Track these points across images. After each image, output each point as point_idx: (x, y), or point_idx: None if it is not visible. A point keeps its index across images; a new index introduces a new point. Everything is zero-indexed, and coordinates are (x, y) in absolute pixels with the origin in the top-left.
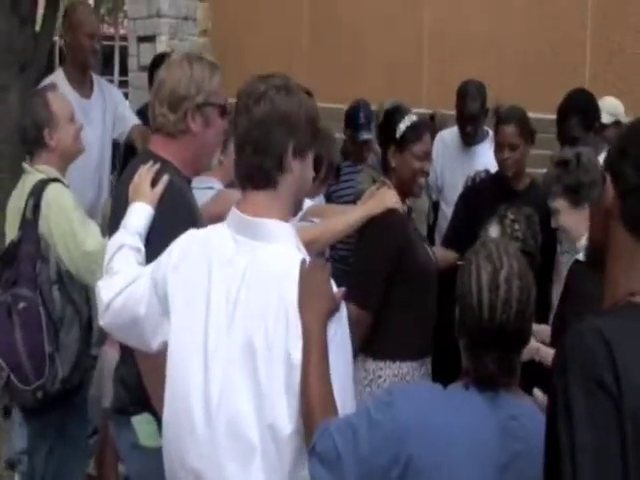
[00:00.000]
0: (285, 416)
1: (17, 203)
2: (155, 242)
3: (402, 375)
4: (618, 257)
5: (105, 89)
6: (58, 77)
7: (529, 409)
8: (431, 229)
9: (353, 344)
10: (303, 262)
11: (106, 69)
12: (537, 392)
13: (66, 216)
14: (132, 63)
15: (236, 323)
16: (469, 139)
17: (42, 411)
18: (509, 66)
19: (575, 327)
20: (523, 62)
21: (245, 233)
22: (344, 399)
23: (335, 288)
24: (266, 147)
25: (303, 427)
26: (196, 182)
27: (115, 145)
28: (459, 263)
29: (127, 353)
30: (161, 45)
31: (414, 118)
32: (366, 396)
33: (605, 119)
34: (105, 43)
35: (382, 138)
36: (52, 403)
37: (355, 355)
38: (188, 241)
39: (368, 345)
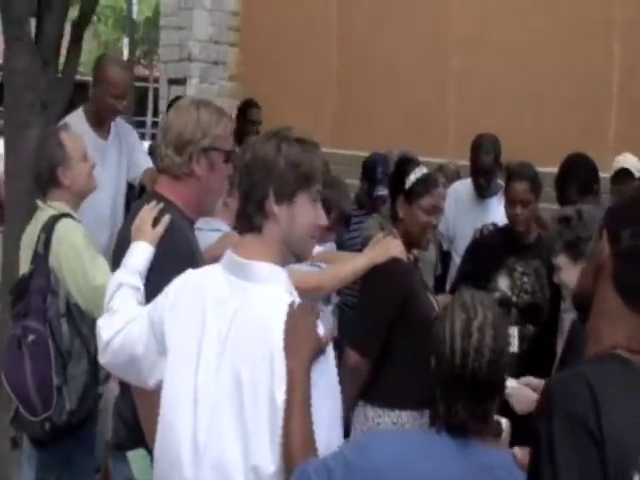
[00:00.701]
0: (268, 457)
1: (30, 238)
2: (154, 281)
3: (401, 424)
4: (603, 313)
5: (122, 131)
6: (78, 116)
7: (502, 459)
8: (440, 279)
9: (351, 391)
10: (291, 305)
11: (140, 109)
12: (517, 450)
13: (76, 251)
14: (163, 105)
15: (225, 364)
16: (482, 192)
17: (50, 443)
18: (532, 119)
19: (560, 374)
20: (546, 116)
21: (237, 274)
22: (329, 441)
23: (322, 331)
24: (249, 193)
25: (284, 468)
26: (202, 223)
27: (130, 187)
28: None
29: (126, 388)
30: (191, 88)
31: (424, 171)
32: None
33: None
34: (139, 84)
35: (391, 188)
36: (60, 435)
37: (354, 402)
38: (184, 282)
39: (368, 392)
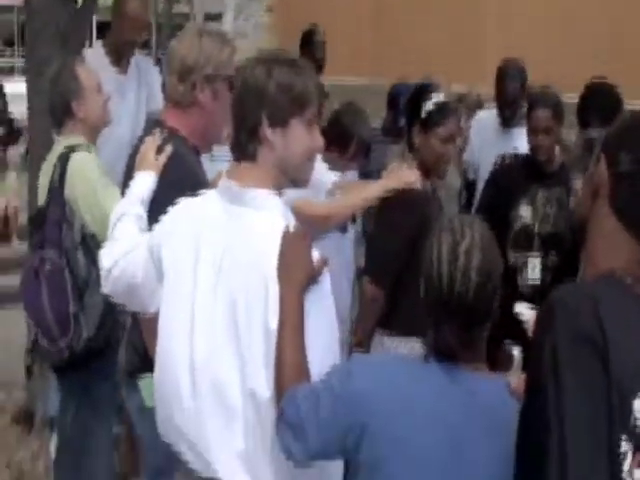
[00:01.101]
0: (264, 382)
1: (47, 170)
2: (157, 210)
3: (418, 352)
4: (600, 236)
5: (142, 66)
6: (97, 51)
7: (492, 385)
8: (465, 208)
9: (369, 320)
10: (286, 230)
11: None
12: (511, 378)
13: (90, 181)
14: None
15: (220, 290)
16: (507, 121)
17: (69, 371)
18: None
19: (561, 289)
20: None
21: (232, 201)
22: (323, 368)
23: (317, 256)
24: (242, 120)
25: (275, 394)
26: (221, 151)
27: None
28: None
29: (136, 316)
30: (227, 23)
31: (441, 99)
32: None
33: None
34: (179, 22)
35: (408, 115)
36: (78, 362)
37: (372, 331)
38: (181, 209)
39: (385, 321)
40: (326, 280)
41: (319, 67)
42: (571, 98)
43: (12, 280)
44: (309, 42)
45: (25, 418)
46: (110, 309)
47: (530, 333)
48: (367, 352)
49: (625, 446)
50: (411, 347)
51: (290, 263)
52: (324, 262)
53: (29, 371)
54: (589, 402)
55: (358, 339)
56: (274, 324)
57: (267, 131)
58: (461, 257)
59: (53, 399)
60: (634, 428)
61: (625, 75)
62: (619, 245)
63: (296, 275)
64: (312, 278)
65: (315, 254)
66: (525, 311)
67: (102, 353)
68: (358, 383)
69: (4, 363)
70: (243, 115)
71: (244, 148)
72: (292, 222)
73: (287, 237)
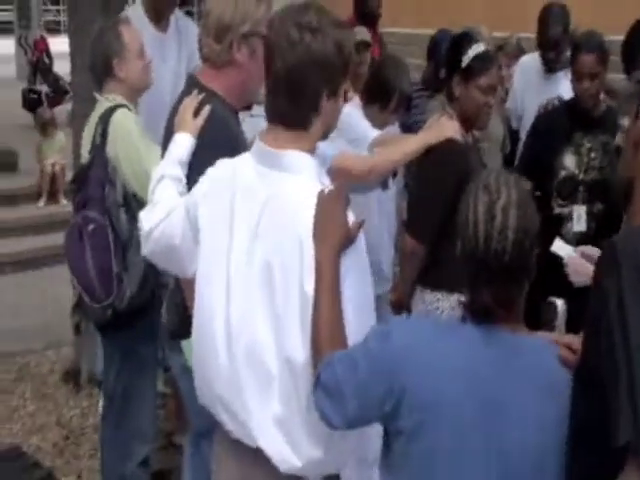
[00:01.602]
0: (300, 347)
1: (89, 130)
2: (195, 171)
3: (459, 308)
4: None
5: (182, 24)
6: (136, 11)
7: (531, 345)
8: (509, 157)
9: (410, 275)
10: (321, 193)
11: None
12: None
13: (132, 140)
14: None
15: (256, 253)
16: (551, 65)
17: (112, 329)
18: None
19: (621, 232)
20: None
21: (268, 164)
22: (359, 331)
23: (352, 218)
24: (302, 92)
25: (312, 358)
26: (261, 109)
27: None
28: (536, 194)
29: (179, 278)
30: None
31: (482, 48)
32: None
33: None
34: None
35: (448, 65)
36: (122, 321)
37: (413, 286)
38: (216, 171)
39: (426, 276)
40: (361, 242)
41: (374, 19)
42: (616, 41)
43: (61, 239)
44: None
45: (74, 376)
46: (152, 268)
47: (572, 278)
48: (408, 307)
49: None
50: (453, 303)
51: (325, 225)
52: (360, 224)
53: (77, 329)
54: None
55: (398, 294)
56: (310, 287)
57: (325, 101)
58: (498, 216)
59: (100, 357)
60: None
61: None
62: None
63: (331, 237)
64: (348, 239)
65: (351, 216)
66: (563, 250)
67: (145, 312)
68: (396, 345)
69: (55, 321)
70: (304, 87)
71: (299, 118)
72: (327, 184)
73: (322, 199)
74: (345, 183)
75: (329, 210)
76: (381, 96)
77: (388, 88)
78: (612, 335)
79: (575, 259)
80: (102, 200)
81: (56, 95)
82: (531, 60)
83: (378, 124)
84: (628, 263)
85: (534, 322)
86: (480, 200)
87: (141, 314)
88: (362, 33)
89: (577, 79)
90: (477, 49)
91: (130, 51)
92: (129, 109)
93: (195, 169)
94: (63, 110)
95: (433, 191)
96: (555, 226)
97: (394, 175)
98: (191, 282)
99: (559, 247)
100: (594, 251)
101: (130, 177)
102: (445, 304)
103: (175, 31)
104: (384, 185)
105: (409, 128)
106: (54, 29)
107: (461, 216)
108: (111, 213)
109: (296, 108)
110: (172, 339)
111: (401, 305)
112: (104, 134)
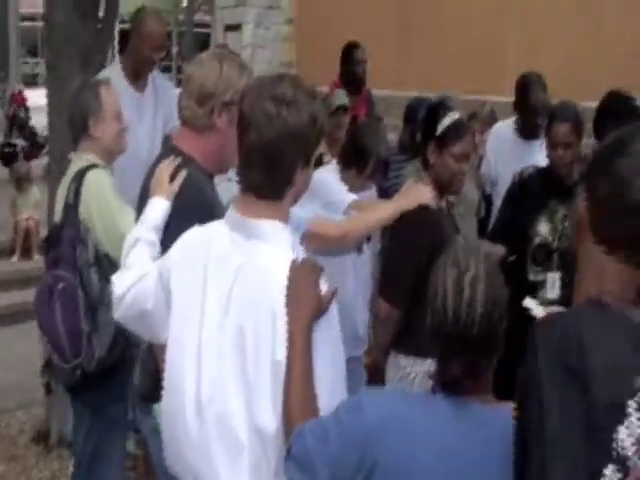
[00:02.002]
0: (271, 416)
1: (63, 189)
2: (170, 237)
3: (432, 371)
4: (588, 267)
5: (160, 85)
6: (115, 69)
7: (500, 416)
8: (484, 222)
9: (384, 340)
10: (294, 263)
11: None
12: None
13: (105, 200)
14: None
15: (228, 321)
16: (530, 132)
17: (81, 390)
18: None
19: (546, 316)
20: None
21: (242, 232)
22: (332, 402)
23: (325, 288)
24: (278, 166)
25: (283, 429)
26: (233, 174)
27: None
28: (510, 259)
29: (150, 343)
30: (247, 33)
31: (456, 117)
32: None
33: None
34: (201, 31)
35: (423, 133)
36: (90, 382)
37: (386, 351)
38: (190, 238)
39: (400, 341)
40: (334, 312)
41: (359, 85)
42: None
43: (34, 295)
44: (348, 59)
45: (44, 437)
46: (122, 329)
47: None
48: (382, 371)
49: (610, 474)
50: (426, 368)
51: (298, 296)
52: (333, 293)
53: (48, 388)
54: (569, 429)
55: (373, 358)
56: (282, 356)
57: (300, 173)
58: (466, 289)
59: (71, 417)
60: (618, 456)
61: None
62: (605, 270)
63: (304, 308)
64: (320, 310)
65: (323, 285)
66: (535, 307)
67: (115, 372)
68: (367, 417)
69: (26, 380)
70: (280, 161)
71: (274, 190)
72: (301, 254)
73: (295, 269)
74: (319, 249)
75: (302, 281)
76: (358, 160)
77: (365, 153)
78: (530, 418)
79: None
80: (73, 259)
81: (32, 149)
82: (505, 127)
83: (355, 188)
84: (545, 349)
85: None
86: (449, 273)
87: (111, 374)
88: (340, 97)
89: (552, 147)
90: (452, 117)
91: (107, 112)
92: (103, 169)
93: (169, 234)
94: (39, 164)
95: (406, 257)
96: (529, 292)
97: (368, 239)
98: (164, 346)
99: (530, 304)
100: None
101: (102, 237)
102: (419, 369)
103: (152, 91)
104: (359, 249)
105: (386, 192)
106: (31, 82)
107: (430, 289)
108: (82, 273)
109: (271, 180)
110: (143, 402)
111: (375, 368)
112: (77, 193)
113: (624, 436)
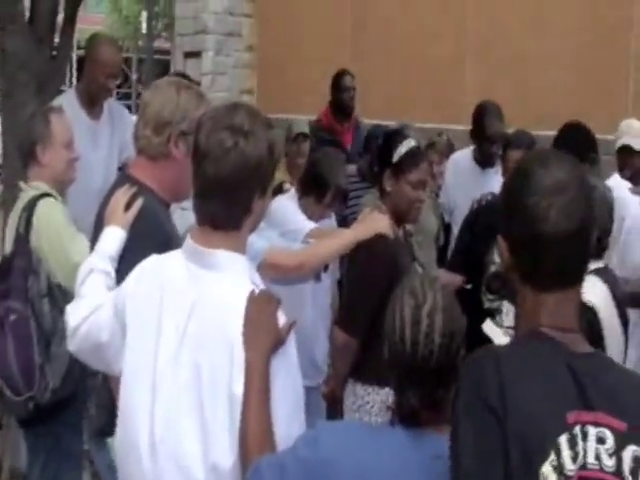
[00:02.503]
0: (227, 452)
1: (14, 218)
2: (125, 267)
3: (390, 401)
4: (521, 300)
5: (116, 113)
6: (70, 97)
7: None
8: (443, 251)
9: (341, 368)
10: (251, 294)
11: None
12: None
13: (56, 229)
14: None
15: (184, 355)
16: (487, 160)
17: (35, 423)
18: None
19: (473, 354)
20: (564, 80)
21: (199, 263)
22: (289, 435)
23: (283, 319)
24: (236, 197)
25: (240, 464)
26: (188, 203)
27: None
28: (467, 287)
29: (105, 375)
30: (207, 60)
31: (413, 144)
32: (353, 420)
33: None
34: (161, 57)
35: (379, 161)
36: (44, 414)
37: (344, 379)
38: (145, 268)
39: (358, 370)
40: (292, 344)
41: (346, 112)
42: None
43: None
44: (336, 86)
45: None
46: (76, 360)
47: None
48: (340, 400)
49: None
50: (383, 397)
51: (255, 328)
52: (290, 325)
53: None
54: (485, 466)
55: (331, 387)
56: (239, 389)
57: (257, 202)
58: (424, 320)
59: (23, 451)
60: None
61: (600, 110)
62: (536, 305)
63: (261, 341)
64: (278, 342)
65: (281, 317)
66: (494, 332)
67: (70, 404)
68: (323, 451)
69: None
70: (237, 193)
71: (232, 220)
72: (259, 283)
73: (252, 301)
74: (276, 278)
75: (259, 313)
76: (317, 189)
77: (324, 183)
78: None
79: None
80: (25, 291)
81: None
82: (463, 155)
83: (314, 216)
84: (467, 387)
85: None
86: (406, 304)
87: (66, 405)
88: (300, 125)
89: (507, 174)
90: (407, 145)
91: (56, 139)
92: (55, 198)
93: (125, 264)
94: None
95: (364, 285)
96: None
97: (326, 268)
98: (119, 378)
99: (490, 328)
100: None
101: (55, 267)
102: (376, 398)
103: (108, 119)
104: (317, 277)
105: (345, 220)
106: None
107: (388, 320)
108: (34, 304)
109: (229, 211)
110: (98, 436)
111: (334, 398)
112: (28, 223)
113: (549, 472)
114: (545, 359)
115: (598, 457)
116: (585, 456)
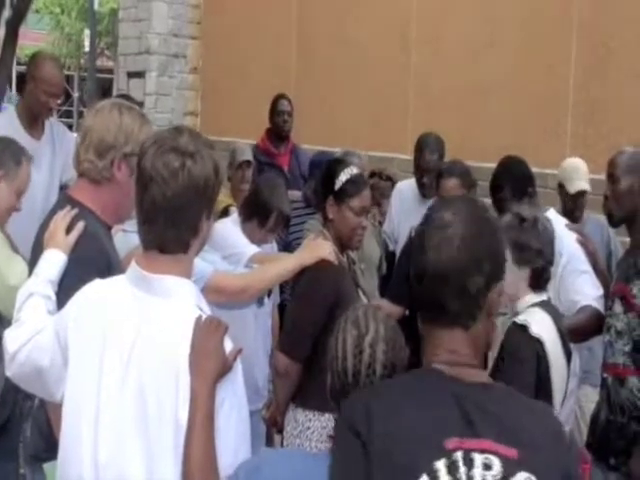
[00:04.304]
0: (172, 478)
1: None
2: (67, 290)
3: (331, 428)
4: (421, 341)
5: (57, 132)
6: (10, 115)
7: None
8: (386, 279)
9: (282, 394)
10: (198, 320)
11: None
12: None
13: None
14: None
15: (128, 381)
16: (426, 191)
17: None
18: (490, 116)
19: (352, 394)
20: (504, 114)
21: (144, 288)
22: (235, 462)
23: (229, 347)
24: (184, 219)
25: None
26: (129, 225)
27: (63, 189)
28: (406, 314)
29: (43, 400)
30: (150, 81)
31: (355, 171)
32: (294, 448)
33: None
34: (104, 76)
35: (322, 187)
36: None
37: (285, 405)
38: (88, 293)
39: (299, 395)
40: (238, 371)
41: (281, 135)
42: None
43: None
44: (272, 110)
45: None
46: (12, 386)
47: None
48: (281, 425)
49: None
50: (324, 423)
51: (202, 354)
52: (237, 352)
53: None
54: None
55: (272, 412)
56: (184, 415)
57: (204, 223)
58: (366, 350)
59: None
60: None
61: (542, 143)
62: (432, 340)
63: (208, 367)
64: (224, 370)
65: (228, 343)
66: None
67: (4, 429)
68: (265, 479)
69: None
70: (185, 215)
71: (180, 243)
72: (206, 311)
73: (199, 327)
74: (219, 302)
75: (206, 340)
76: (259, 214)
77: (266, 207)
78: None
79: None
80: None
81: None
82: (407, 185)
83: (255, 240)
84: (341, 422)
85: None
86: (349, 334)
87: (0, 431)
88: (245, 152)
89: None
90: (349, 172)
91: (14, 183)
92: None
93: (66, 288)
94: None
95: (306, 311)
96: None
97: (269, 292)
98: (58, 406)
99: None
100: None
101: None
102: (316, 424)
103: (50, 138)
104: (259, 302)
105: (289, 245)
106: None
107: (330, 350)
108: None
109: (177, 234)
110: (34, 462)
111: (275, 423)
112: None
113: None
114: (427, 389)
115: None
116: None
